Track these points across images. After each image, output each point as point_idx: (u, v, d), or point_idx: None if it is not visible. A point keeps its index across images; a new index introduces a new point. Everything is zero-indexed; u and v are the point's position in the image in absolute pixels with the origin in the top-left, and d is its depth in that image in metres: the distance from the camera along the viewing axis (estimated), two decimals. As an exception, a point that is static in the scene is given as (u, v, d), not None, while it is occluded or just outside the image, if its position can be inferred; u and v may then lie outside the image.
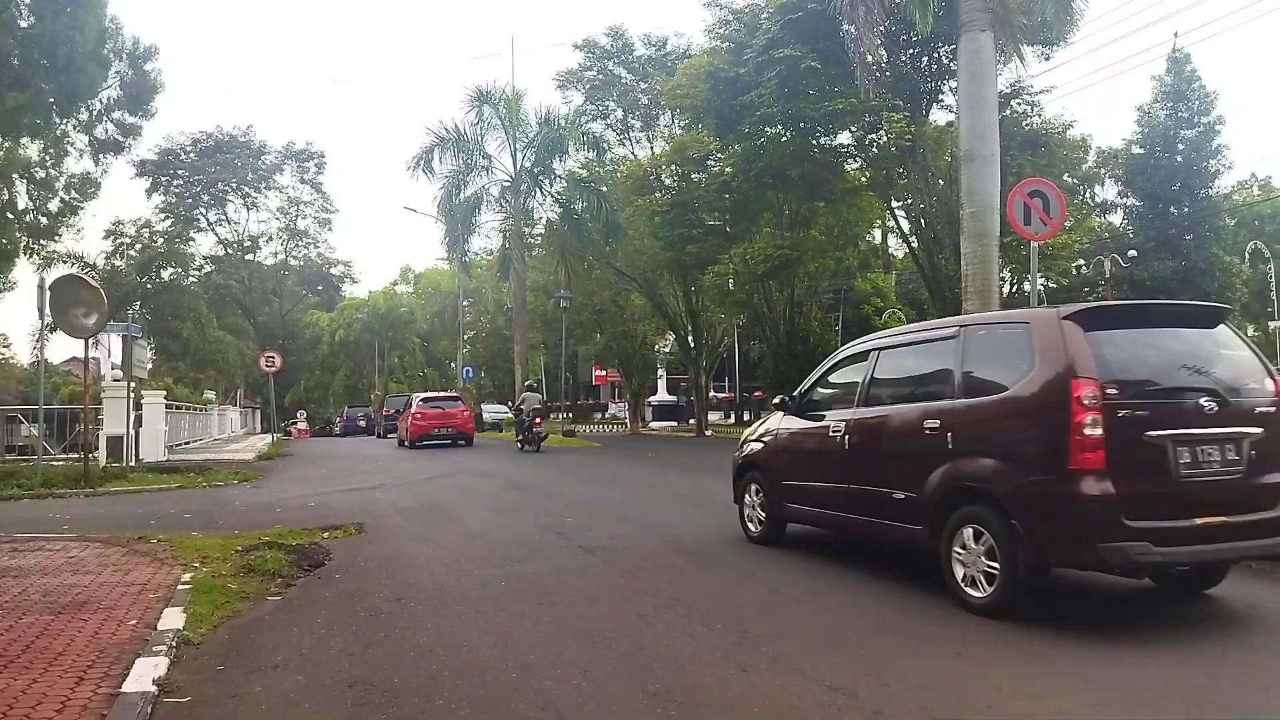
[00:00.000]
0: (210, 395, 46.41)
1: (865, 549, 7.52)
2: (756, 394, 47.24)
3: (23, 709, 3.90)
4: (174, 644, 4.98)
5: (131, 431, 18.62)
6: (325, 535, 9.10)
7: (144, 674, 4.39)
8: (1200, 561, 5.68)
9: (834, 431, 7.28)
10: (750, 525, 8.56)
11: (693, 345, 37.20)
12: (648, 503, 12.05)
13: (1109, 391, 5.21)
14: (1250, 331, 40.21)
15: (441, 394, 33.91)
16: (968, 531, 5.78)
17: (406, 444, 28.47)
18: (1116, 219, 39.46)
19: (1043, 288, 33.95)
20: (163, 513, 11.20)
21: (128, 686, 4.22)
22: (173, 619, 5.49)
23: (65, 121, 24.21)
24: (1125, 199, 36.52)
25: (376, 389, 66.53)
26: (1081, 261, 32.22)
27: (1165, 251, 32.83)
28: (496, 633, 5.36)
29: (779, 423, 8.31)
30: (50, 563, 7.41)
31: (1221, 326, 5.99)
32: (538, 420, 24.70)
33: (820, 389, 7.96)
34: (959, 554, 5.84)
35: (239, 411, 48.74)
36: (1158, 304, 8.22)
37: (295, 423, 53.43)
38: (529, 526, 9.70)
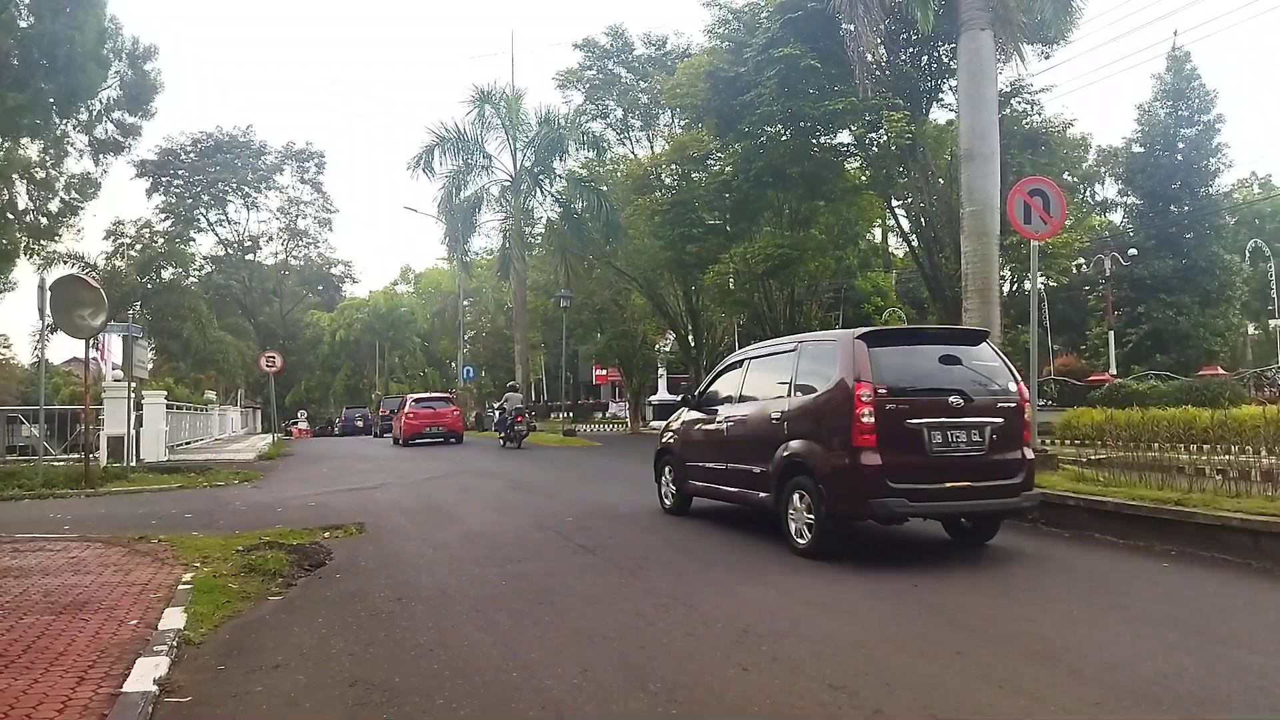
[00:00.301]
0: (211, 395, 46.38)
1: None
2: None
3: (24, 709, 3.90)
4: (175, 644, 4.98)
5: (132, 432, 18.64)
6: (326, 535, 9.11)
7: (145, 674, 4.40)
8: (944, 515, 7.89)
9: (719, 423, 9.38)
10: (665, 500, 10.63)
11: (693, 345, 37.20)
12: (648, 502, 12.04)
13: (880, 391, 7.18)
14: (1250, 330, 40.19)
15: (433, 395, 35.30)
16: (796, 495, 7.73)
17: (400, 442, 29.43)
18: (1117, 217, 39.43)
19: (1043, 286, 33.98)
20: (163, 513, 11.21)
21: (129, 686, 4.22)
22: (173, 619, 5.49)
23: (65, 121, 24.19)
24: (1125, 197, 36.48)
25: (377, 389, 66.57)
26: (1082, 260, 32.16)
27: (1165, 250, 32.75)
28: (497, 632, 5.37)
29: (685, 417, 10.38)
30: (51, 563, 7.41)
31: (983, 345, 8.01)
32: (520, 418, 25.95)
33: (712, 389, 9.94)
34: (791, 512, 7.80)
35: (240, 411, 48.75)
36: (930, 328, 11.64)
37: (296, 423, 53.48)
38: (529, 526, 9.70)
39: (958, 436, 7.28)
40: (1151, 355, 31.28)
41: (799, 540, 7.65)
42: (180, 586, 6.40)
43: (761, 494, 8.28)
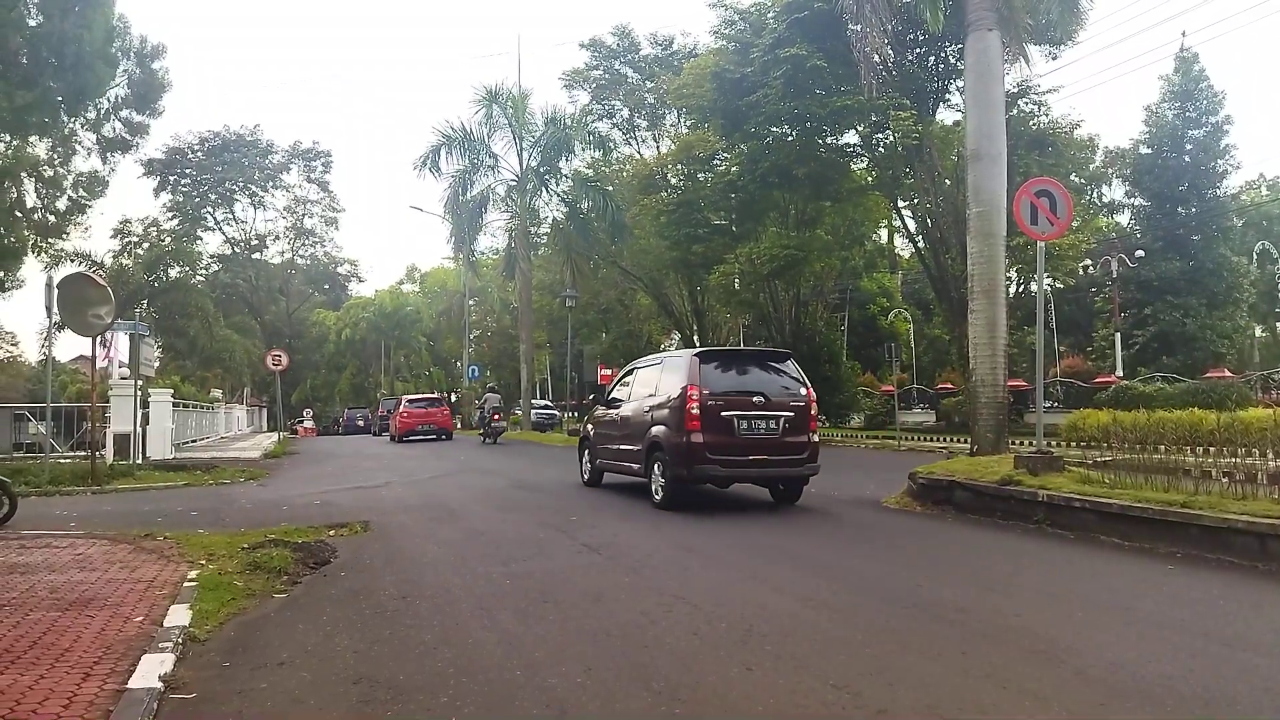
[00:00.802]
0: (217, 394, 46.48)
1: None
2: (762, 393, 47.07)
3: (30, 704, 3.92)
4: (180, 641, 4.99)
5: (138, 429, 18.70)
6: (331, 533, 9.13)
7: (150, 670, 4.41)
8: (748, 480, 11.02)
9: (617, 415, 12.51)
10: (584, 475, 13.90)
11: (698, 345, 37.18)
12: (651, 501, 12.04)
13: (705, 393, 10.33)
14: (1258, 332, 40.05)
15: (425, 396, 39.18)
16: (656, 465, 10.91)
17: (396, 438, 32.23)
18: (1124, 219, 39.25)
19: (1050, 287, 33.85)
20: (169, 510, 11.24)
21: (134, 683, 4.24)
22: (179, 616, 5.51)
23: (73, 120, 24.27)
24: (1133, 199, 36.26)
25: (382, 388, 66.72)
26: (1089, 261, 32.05)
27: (1173, 252, 32.58)
28: (501, 630, 5.37)
29: (598, 413, 13.56)
30: (57, 559, 7.44)
31: (787, 362, 11.24)
32: (496, 416, 28.72)
33: (615, 390, 13.12)
34: (653, 477, 10.96)
35: (245, 410, 48.87)
36: (748, 349, 16.90)
37: (301, 421, 53.62)
38: (533, 525, 9.71)
39: (758, 424, 10.47)
40: (1158, 357, 31.16)
41: (657, 497, 10.88)
42: (186, 584, 6.42)
43: (636, 465, 11.56)
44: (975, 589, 6.43)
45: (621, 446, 12.14)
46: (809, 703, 4.05)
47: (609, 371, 60.20)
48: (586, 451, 13.74)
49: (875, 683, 4.28)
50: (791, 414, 10.51)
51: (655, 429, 10.89)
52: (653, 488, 10.93)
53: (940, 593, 6.24)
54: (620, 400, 12.58)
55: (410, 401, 34.86)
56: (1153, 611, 5.72)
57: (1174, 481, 8.48)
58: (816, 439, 10.83)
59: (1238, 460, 8.31)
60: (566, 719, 3.94)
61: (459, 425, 40.95)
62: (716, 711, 4.00)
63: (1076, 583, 6.61)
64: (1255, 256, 36.73)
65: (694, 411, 10.18)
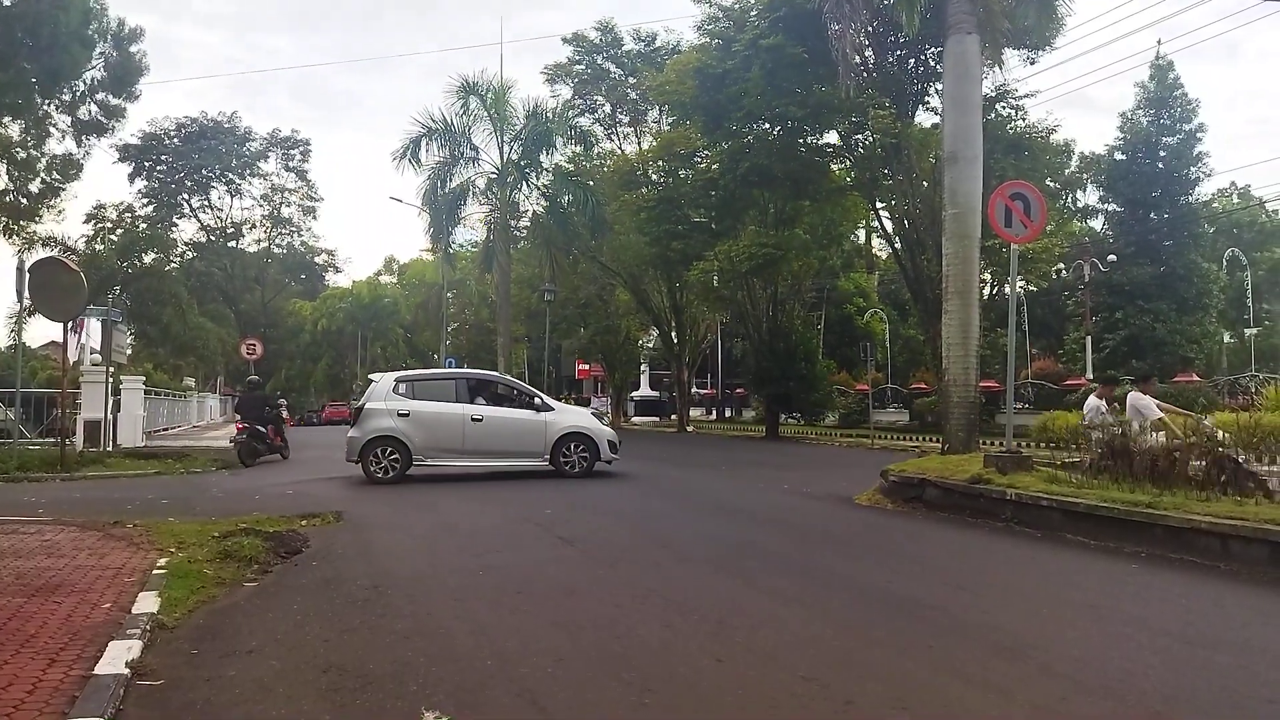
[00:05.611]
0: (190, 382, 46.00)
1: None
2: (738, 391, 47.35)
3: (-6, 689, 3.88)
4: (148, 628, 4.95)
5: (109, 416, 18.49)
6: (303, 523, 9.09)
7: (117, 657, 4.38)
8: None
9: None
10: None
11: (676, 341, 37.28)
12: (626, 496, 12.08)
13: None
14: (1226, 337, 40.65)
15: (340, 402, 56.81)
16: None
17: (320, 423, 51.30)
18: (1097, 224, 39.66)
19: (1023, 290, 34.21)
20: (139, 498, 11.15)
21: (100, 669, 4.20)
22: (147, 603, 5.47)
23: (47, 102, 23.94)
24: (1106, 204, 36.60)
25: (358, 379, 66.29)
26: (1061, 265, 32.40)
27: (1144, 257, 32.97)
28: (473, 621, 5.38)
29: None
30: (24, 545, 7.36)
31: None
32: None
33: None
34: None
35: (219, 399, 48.40)
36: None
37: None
38: (508, 517, 9.72)
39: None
40: (1128, 361, 31.47)
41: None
42: (155, 571, 6.37)
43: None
44: (943, 586, 6.51)
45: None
46: (778, 694, 4.09)
47: (586, 366, 60.46)
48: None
49: (843, 676, 4.33)
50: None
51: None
52: None
53: (909, 589, 6.31)
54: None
55: (332, 403, 59.01)
56: (1116, 609, 5.81)
57: (1139, 482, 8.61)
58: None
59: (1203, 463, 8.45)
60: (537, 708, 3.96)
61: None
62: (687, 702, 4.03)
63: (1042, 580, 6.71)
64: (1225, 263, 37.26)
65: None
